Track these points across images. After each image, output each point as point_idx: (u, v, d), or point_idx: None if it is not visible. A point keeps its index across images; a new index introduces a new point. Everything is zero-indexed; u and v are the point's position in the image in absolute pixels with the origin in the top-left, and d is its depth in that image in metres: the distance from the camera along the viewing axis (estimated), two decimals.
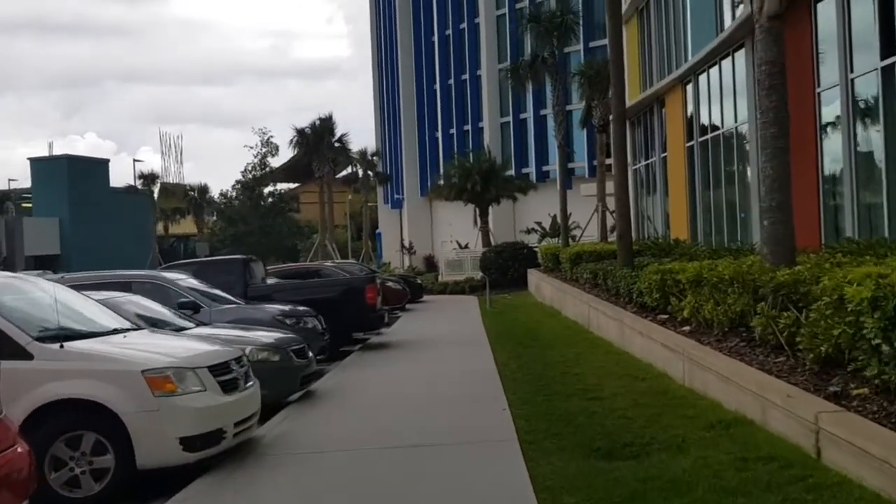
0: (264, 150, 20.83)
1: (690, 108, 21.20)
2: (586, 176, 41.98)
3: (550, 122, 47.73)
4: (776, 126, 9.31)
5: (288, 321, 12.15)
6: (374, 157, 52.86)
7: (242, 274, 14.69)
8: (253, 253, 21.66)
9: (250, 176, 20.10)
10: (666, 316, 11.36)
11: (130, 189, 49.38)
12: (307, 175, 53.23)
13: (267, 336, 9.84)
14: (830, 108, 14.10)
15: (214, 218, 20.84)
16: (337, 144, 41.45)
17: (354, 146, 49.20)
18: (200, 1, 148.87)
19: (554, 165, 45.87)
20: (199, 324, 9.99)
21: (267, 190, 20.78)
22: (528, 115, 48.40)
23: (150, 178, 50.63)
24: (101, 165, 53.35)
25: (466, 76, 51.96)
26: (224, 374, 7.07)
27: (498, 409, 8.29)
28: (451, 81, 53.10)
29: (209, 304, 11.92)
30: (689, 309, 10.07)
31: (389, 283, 25.03)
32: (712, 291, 9.23)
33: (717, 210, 19.84)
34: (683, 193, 22.01)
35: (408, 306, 26.07)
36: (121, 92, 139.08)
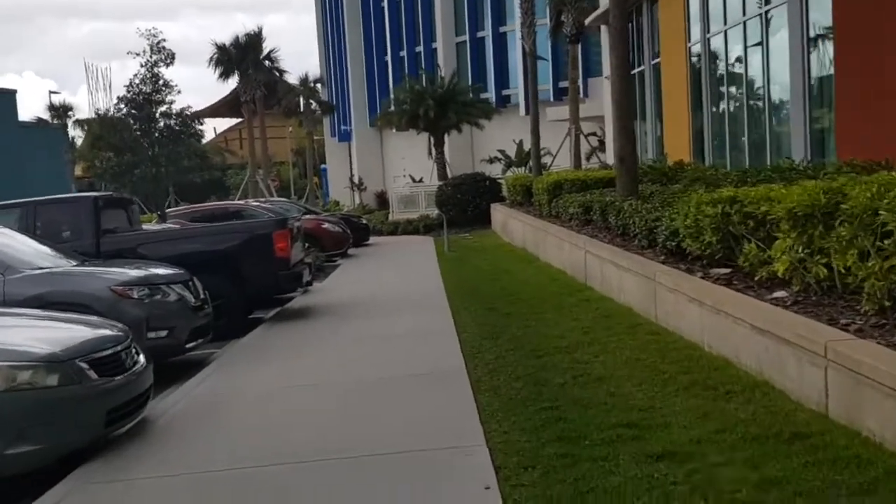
0: (154, 57, 16.33)
1: None
2: (551, 100, 37.58)
3: (511, 41, 43.10)
4: None
5: (135, 293, 7.77)
6: (317, 84, 47.48)
7: (92, 219, 10.20)
8: (145, 190, 17.04)
9: (137, 91, 15.77)
10: (727, 271, 7.26)
11: (39, 123, 43.57)
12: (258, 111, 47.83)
13: (44, 339, 5.44)
14: None
15: (99, 145, 16.61)
16: (267, 63, 35.91)
17: (298, 75, 43.84)
18: None
19: (516, 89, 41.46)
20: None
21: (161, 110, 16.36)
22: (487, 33, 43.49)
23: (62, 111, 44.81)
24: (5, 97, 47.28)
25: None
26: None
27: (476, 487, 4.12)
28: None
29: (3, 268, 7.47)
30: (787, 263, 5.95)
31: (326, 225, 20.66)
32: (857, 235, 5.08)
33: (733, 123, 15.73)
34: (684, 106, 17.85)
35: (350, 251, 21.76)
36: (58, 28, 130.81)
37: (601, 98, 32.00)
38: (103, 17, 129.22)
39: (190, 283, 8.45)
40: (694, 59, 17.37)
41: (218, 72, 34.49)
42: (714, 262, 7.57)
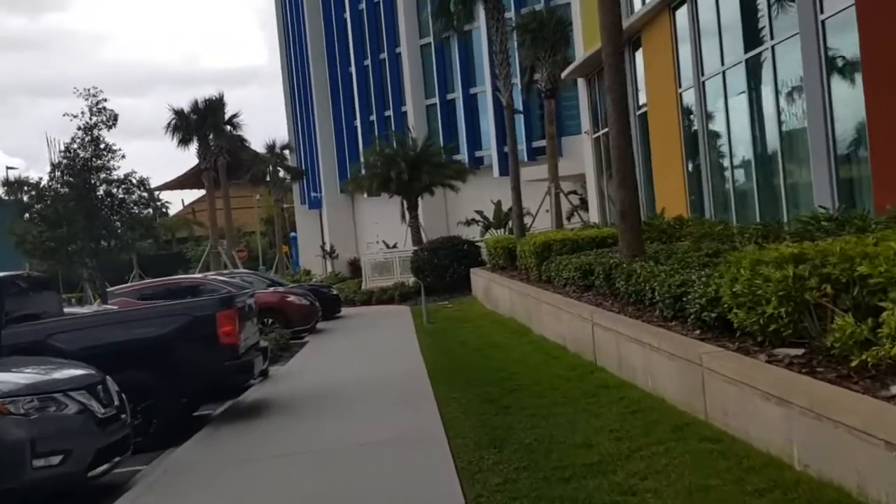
0: (94, 119, 14.70)
1: (685, 37, 15.58)
2: (525, 160, 36.35)
3: (482, 101, 42.17)
4: None
5: (17, 406, 5.83)
6: (285, 151, 45.98)
7: None
8: (81, 267, 15.09)
9: (73, 156, 14.05)
10: (799, 352, 5.53)
11: None
12: (230, 176, 46.06)
13: None
14: None
15: (32, 217, 14.72)
16: (228, 128, 34.20)
17: (265, 142, 42.13)
18: (103, 14, 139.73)
19: (489, 150, 40.36)
20: None
21: (103, 177, 14.60)
22: (457, 94, 42.55)
23: (16, 186, 42.84)
24: None
25: (384, 55, 45.77)
26: None
27: None
28: (368, 62, 46.81)
29: None
30: None
31: (291, 298, 18.78)
32: None
33: (738, 173, 14.28)
34: (678, 156, 16.42)
35: (320, 325, 19.83)
36: (30, 107, 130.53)
37: (577, 157, 30.82)
38: (73, 96, 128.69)
39: (99, 388, 6.53)
40: (687, 105, 16.03)
41: (176, 139, 32.75)
42: (776, 339, 5.85)
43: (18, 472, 5.63)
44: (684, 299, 7.48)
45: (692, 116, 15.81)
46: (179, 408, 8.59)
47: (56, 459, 5.83)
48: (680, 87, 16.17)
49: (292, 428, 8.32)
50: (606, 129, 21.82)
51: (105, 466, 6.42)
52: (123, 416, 6.82)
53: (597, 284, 10.71)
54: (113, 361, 8.20)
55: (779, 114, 12.49)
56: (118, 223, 14.96)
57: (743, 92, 13.73)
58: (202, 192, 57.23)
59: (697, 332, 7.03)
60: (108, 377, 6.91)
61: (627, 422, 6.30)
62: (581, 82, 23.19)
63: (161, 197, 69.02)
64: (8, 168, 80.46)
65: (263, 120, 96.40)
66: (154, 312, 9.06)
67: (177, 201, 68.96)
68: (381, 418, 8.19)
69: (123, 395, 6.99)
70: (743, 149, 13.98)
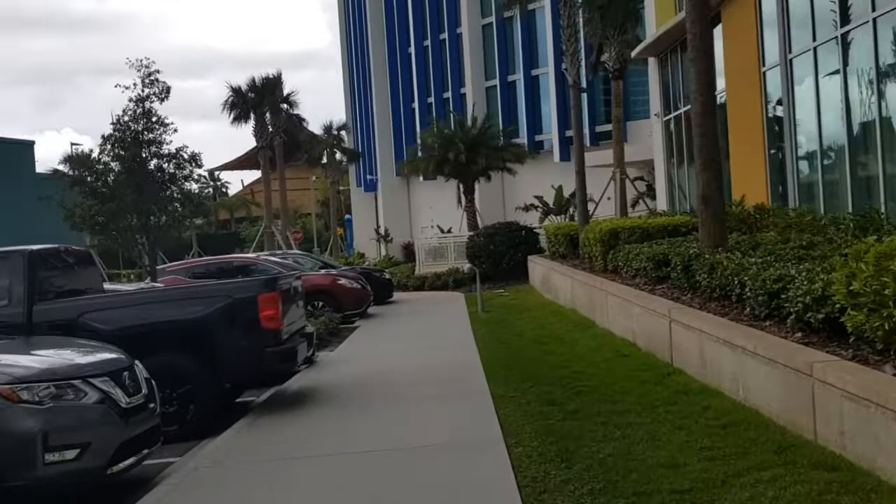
0: (146, 90, 14.25)
1: (772, 11, 14.35)
2: (587, 145, 35.09)
3: (544, 84, 40.98)
4: None
5: (29, 393, 5.24)
6: (342, 132, 45.52)
7: (23, 281, 7.77)
8: (130, 243, 14.66)
9: (125, 129, 13.61)
10: None
11: (55, 174, 42.02)
12: (287, 157, 45.95)
13: None
14: None
15: (83, 191, 14.27)
16: (285, 107, 33.71)
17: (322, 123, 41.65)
18: None
19: (549, 134, 39.24)
20: None
21: (154, 151, 14.17)
22: (518, 76, 41.43)
23: (80, 161, 43.30)
24: (23, 149, 46.09)
25: (445, 35, 44.83)
26: None
27: None
28: (428, 42, 45.96)
29: None
30: None
31: (342, 281, 18.19)
32: None
33: (828, 160, 13.08)
34: (759, 141, 15.24)
35: (371, 310, 19.23)
36: (98, 87, 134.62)
37: (641, 142, 29.57)
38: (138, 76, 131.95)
39: (125, 374, 5.92)
40: (771, 86, 14.82)
41: (232, 116, 32.40)
42: None
43: (28, 468, 5.05)
44: (782, 297, 6.54)
45: (777, 98, 14.60)
46: (217, 395, 7.98)
47: (71, 454, 5.22)
48: (764, 65, 14.96)
49: (336, 423, 7.64)
50: (678, 112, 20.67)
51: (131, 460, 5.81)
52: (152, 405, 6.21)
53: (673, 276, 9.78)
54: (149, 343, 7.68)
55: (879, 95, 11.28)
56: (169, 199, 14.50)
57: (836, 71, 12.51)
58: (260, 172, 57.46)
59: (799, 334, 6.11)
60: (137, 362, 6.30)
61: (719, 438, 5.42)
62: (652, 62, 22.01)
63: (221, 177, 69.44)
64: (72, 144, 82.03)
65: (321, 103, 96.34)
66: (193, 293, 8.44)
67: (236, 182, 69.41)
68: (431, 417, 7.45)
69: (153, 382, 6.38)
70: (834, 133, 12.78)
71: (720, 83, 16.80)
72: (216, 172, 67.46)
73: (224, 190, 72.68)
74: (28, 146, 46.73)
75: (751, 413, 5.92)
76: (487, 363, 9.95)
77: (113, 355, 6.14)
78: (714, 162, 9.70)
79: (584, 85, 30.33)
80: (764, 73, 15.04)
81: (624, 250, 12.42)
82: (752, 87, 15.38)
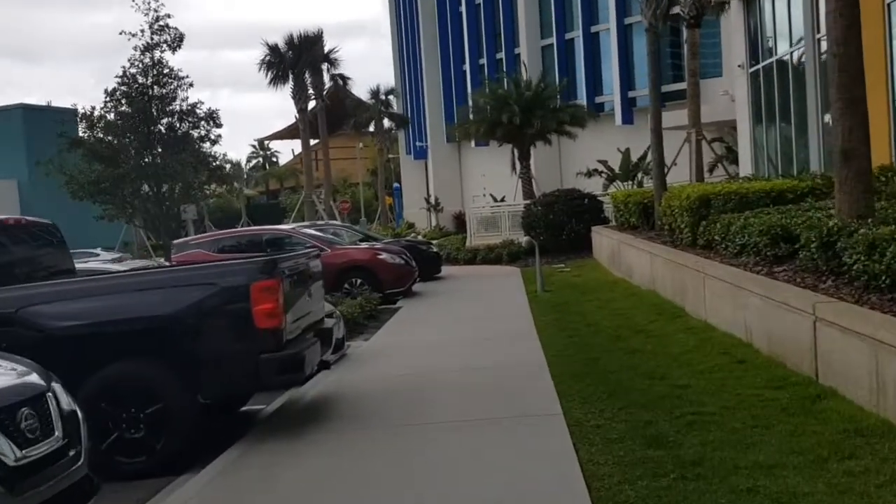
0: (155, 38, 12.38)
1: None
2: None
3: (605, 41, 37.99)
4: None
5: None
6: (390, 97, 43.24)
7: None
8: (145, 213, 12.81)
9: (131, 82, 11.88)
10: None
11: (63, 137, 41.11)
12: (334, 126, 44.10)
13: None
14: None
15: (84, 153, 12.64)
16: (326, 66, 31.52)
17: (368, 89, 39.32)
18: None
19: (611, 96, 36.43)
20: None
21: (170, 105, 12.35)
22: (577, 34, 38.53)
23: (85, 119, 42.13)
24: (66, 116, 45.24)
25: None
26: None
27: None
28: (480, 0, 43.36)
29: None
30: None
31: (383, 256, 16.15)
32: None
33: None
34: (882, 88, 12.59)
35: (417, 287, 17.20)
36: None
37: (715, 102, 26.69)
38: (194, 47, 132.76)
39: (23, 410, 3.91)
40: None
41: (270, 76, 30.30)
42: None
43: None
44: None
45: None
46: (195, 417, 5.97)
47: None
48: None
49: (359, 455, 5.59)
50: (769, 61, 18.00)
51: None
52: (74, 451, 4.22)
53: (802, 256, 7.42)
54: (108, 347, 5.78)
55: None
56: (182, 163, 12.58)
57: None
58: (312, 141, 55.83)
59: None
60: (55, 387, 4.31)
61: None
62: (735, 5, 19.29)
63: (271, 146, 67.99)
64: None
65: (371, 73, 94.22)
66: (165, 280, 6.40)
67: (287, 151, 67.96)
68: (483, 454, 5.33)
69: (80, 415, 4.40)
70: None
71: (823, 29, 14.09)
72: (266, 142, 66.11)
73: (275, 160, 71.45)
74: (69, 114, 45.84)
75: None
76: (555, 367, 7.79)
77: (12, 380, 4.14)
78: (859, 103, 7.28)
79: (646, 44, 27.63)
80: (888, 4, 12.39)
81: (722, 221, 10.04)
82: (872, 23, 12.68)
